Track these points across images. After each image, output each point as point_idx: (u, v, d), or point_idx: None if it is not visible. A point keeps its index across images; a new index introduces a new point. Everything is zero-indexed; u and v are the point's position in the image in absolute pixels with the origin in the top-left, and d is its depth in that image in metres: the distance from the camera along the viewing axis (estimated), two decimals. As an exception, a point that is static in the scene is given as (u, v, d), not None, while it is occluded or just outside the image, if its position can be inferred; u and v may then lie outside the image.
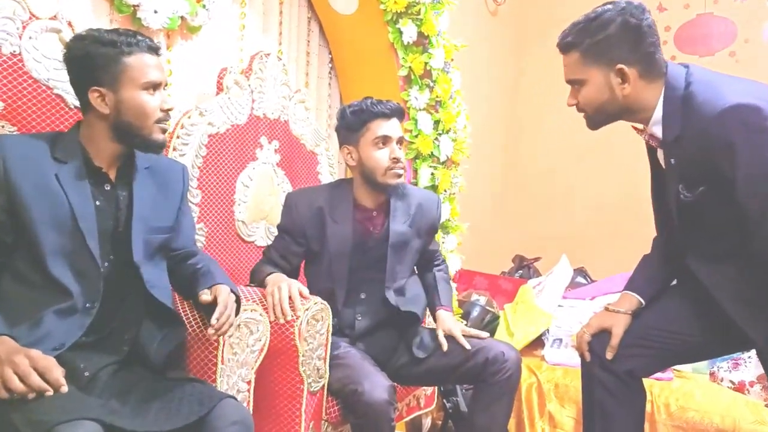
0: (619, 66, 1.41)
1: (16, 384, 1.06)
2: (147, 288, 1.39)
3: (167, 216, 1.49)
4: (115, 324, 1.35)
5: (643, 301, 1.61)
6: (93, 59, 1.32)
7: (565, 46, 1.48)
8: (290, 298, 1.65)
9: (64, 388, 1.09)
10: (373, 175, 1.85)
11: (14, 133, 1.47)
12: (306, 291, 1.69)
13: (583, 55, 1.44)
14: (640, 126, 1.52)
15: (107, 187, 1.38)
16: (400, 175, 1.86)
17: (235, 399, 1.35)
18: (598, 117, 1.51)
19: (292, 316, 1.63)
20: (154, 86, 1.36)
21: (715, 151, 1.32)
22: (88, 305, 1.30)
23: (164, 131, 1.40)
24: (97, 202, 1.35)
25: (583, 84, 1.47)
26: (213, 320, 1.35)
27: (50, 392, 1.07)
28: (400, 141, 1.88)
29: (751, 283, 1.39)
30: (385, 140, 1.85)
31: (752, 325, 1.40)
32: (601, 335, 1.59)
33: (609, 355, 1.56)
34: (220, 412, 1.25)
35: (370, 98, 1.87)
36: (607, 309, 1.63)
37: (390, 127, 1.85)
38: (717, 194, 1.37)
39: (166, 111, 1.39)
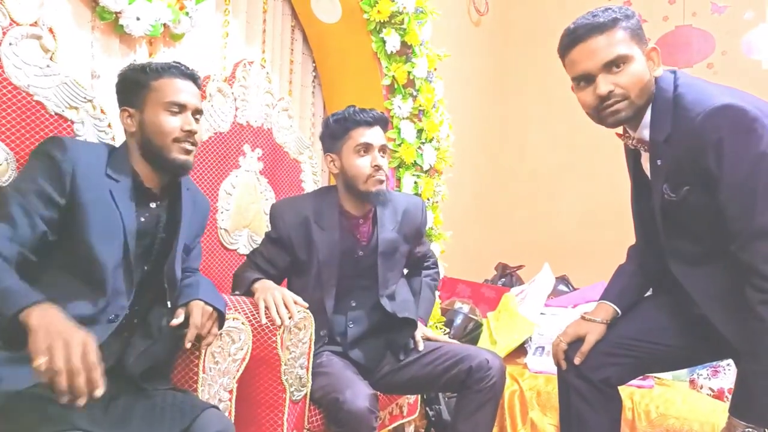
0: (653, 46, 1.42)
1: (62, 385, 0.98)
2: (171, 304, 1.43)
3: (191, 239, 1.55)
4: (113, 335, 1.34)
5: (618, 311, 1.63)
6: (126, 83, 1.45)
7: (610, 23, 1.38)
8: (285, 303, 1.65)
9: (99, 392, 1.02)
10: (355, 183, 1.86)
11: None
12: (300, 299, 1.69)
13: (629, 31, 1.39)
14: (620, 131, 1.54)
15: (152, 205, 1.44)
16: (381, 182, 1.86)
17: (218, 409, 1.34)
18: (638, 101, 1.42)
19: (289, 321, 1.63)
20: (179, 107, 1.42)
21: (703, 150, 1.34)
22: (111, 317, 1.33)
23: (186, 152, 1.43)
24: (142, 219, 1.40)
25: (629, 62, 1.39)
26: (186, 343, 1.37)
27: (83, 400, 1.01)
28: (383, 149, 1.89)
29: (734, 288, 1.40)
30: (366, 148, 1.85)
31: (733, 330, 1.41)
32: (577, 344, 1.61)
33: (577, 360, 1.58)
34: (203, 423, 1.25)
35: (353, 107, 1.88)
36: (583, 318, 1.65)
37: (372, 134, 1.86)
38: (701, 194, 1.39)
39: (188, 132, 1.42)
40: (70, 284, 1.30)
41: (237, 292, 1.77)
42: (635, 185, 1.61)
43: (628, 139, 1.52)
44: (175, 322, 1.38)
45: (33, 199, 1.27)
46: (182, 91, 1.43)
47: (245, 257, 1.98)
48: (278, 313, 1.62)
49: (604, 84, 1.39)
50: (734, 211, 1.34)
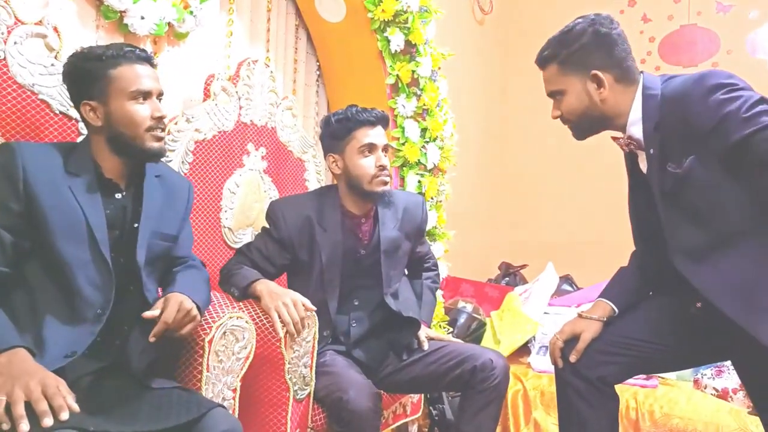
0: (594, 72, 1.48)
1: (20, 410, 1.03)
2: (143, 292, 1.40)
3: (172, 225, 1.51)
4: (108, 331, 1.34)
5: (616, 309, 1.63)
6: (81, 74, 1.36)
7: (543, 60, 1.55)
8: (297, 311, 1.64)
9: (65, 415, 1.05)
10: (359, 183, 1.85)
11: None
12: (309, 302, 1.68)
13: (560, 66, 1.52)
14: (620, 135, 1.55)
15: (118, 196, 1.40)
16: (386, 183, 1.86)
17: (224, 408, 1.34)
18: (582, 125, 1.56)
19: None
20: (144, 95, 1.37)
21: (697, 114, 1.37)
22: (99, 311, 1.31)
23: (159, 139, 1.40)
24: (107, 211, 1.36)
25: (563, 94, 1.54)
26: (150, 338, 1.32)
27: (50, 420, 1.04)
28: (385, 148, 1.89)
29: (747, 276, 1.38)
30: (370, 148, 1.85)
31: (754, 321, 1.36)
32: (573, 342, 1.61)
33: (572, 358, 1.58)
34: (210, 422, 1.24)
35: (354, 106, 1.87)
36: (580, 316, 1.65)
37: (375, 134, 1.86)
38: (706, 161, 1.39)
39: (158, 119, 1.39)
40: (47, 288, 1.29)
41: (235, 292, 1.72)
42: (633, 186, 1.63)
43: (621, 140, 1.55)
44: (148, 314, 1.33)
45: None
46: (143, 76, 1.37)
47: (236, 251, 1.94)
48: (294, 328, 1.62)
49: (553, 111, 1.59)
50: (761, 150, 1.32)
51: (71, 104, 1.59)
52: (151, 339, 1.33)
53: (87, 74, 1.35)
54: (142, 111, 1.37)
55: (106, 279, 1.33)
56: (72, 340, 1.27)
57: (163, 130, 1.41)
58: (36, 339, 1.23)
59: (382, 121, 1.89)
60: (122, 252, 1.39)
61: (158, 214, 1.45)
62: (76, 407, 1.08)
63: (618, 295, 1.65)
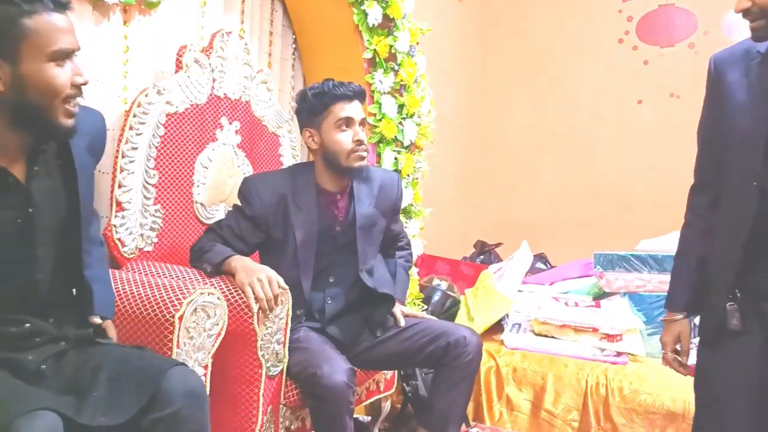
0: None
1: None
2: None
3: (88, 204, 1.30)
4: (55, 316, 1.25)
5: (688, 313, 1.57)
6: None
7: None
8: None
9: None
10: (337, 159, 1.84)
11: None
12: (282, 280, 1.66)
13: None
14: None
15: (10, 180, 1.15)
16: (363, 158, 1.85)
17: (185, 365, 1.27)
18: None
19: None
20: (66, 55, 1.12)
21: None
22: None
23: (71, 115, 1.15)
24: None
25: None
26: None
27: None
28: (363, 123, 1.87)
29: None
30: (347, 122, 1.83)
31: None
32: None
33: (684, 360, 1.59)
34: (171, 383, 1.16)
35: (331, 80, 1.85)
36: (665, 320, 1.61)
37: (352, 109, 1.84)
38: None
39: (79, 86, 1.14)
40: None
41: (207, 268, 1.69)
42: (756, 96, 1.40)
43: None
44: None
45: None
46: (65, 31, 1.10)
47: (206, 229, 1.89)
48: (267, 305, 1.60)
49: (740, 2, 1.33)
50: None
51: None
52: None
53: None
54: (62, 76, 1.11)
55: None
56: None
57: (78, 100, 1.16)
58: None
59: (360, 95, 1.87)
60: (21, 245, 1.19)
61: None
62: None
63: (683, 300, 1.58)
